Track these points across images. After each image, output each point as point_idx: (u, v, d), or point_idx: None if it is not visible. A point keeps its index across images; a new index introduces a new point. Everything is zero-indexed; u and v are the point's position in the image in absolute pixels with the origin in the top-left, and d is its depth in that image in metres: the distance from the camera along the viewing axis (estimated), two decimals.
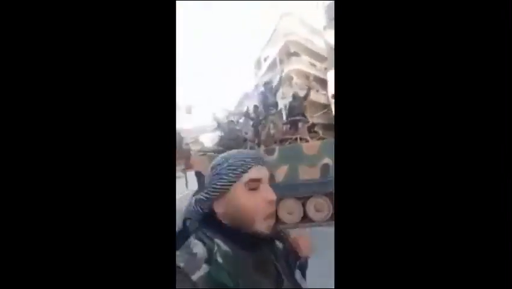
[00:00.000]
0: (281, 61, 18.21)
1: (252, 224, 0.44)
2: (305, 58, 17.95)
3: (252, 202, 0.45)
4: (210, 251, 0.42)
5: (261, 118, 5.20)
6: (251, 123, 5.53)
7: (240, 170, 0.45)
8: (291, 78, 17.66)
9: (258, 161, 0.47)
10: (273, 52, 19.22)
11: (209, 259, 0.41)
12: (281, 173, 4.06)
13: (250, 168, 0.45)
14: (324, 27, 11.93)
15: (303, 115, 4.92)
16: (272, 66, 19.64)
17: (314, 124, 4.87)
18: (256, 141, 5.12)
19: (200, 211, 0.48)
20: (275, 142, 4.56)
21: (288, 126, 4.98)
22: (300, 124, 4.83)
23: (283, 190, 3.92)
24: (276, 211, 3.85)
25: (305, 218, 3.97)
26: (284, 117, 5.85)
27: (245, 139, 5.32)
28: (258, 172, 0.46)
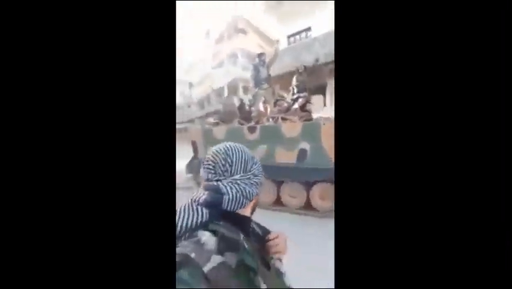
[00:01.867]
0: (229, 36, 17.87)
1: (249, 211, 0.52)
2: (253, 37, 17.98)
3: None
4: (234, 240, 0.42)
5: (251, 93, 4.86)
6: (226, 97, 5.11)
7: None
8: (236, 56, 17.65)
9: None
10: (221, 26, 18.62)
11: (222, 249, 0.40)
12: (259, 153, 3.89)
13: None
14: (264, 11, 12.14)
15: (306, 91, 4.49)
16: (220, 40, 19.14)
17: (306, 102, 4.55)
18: (245, 117, 4.72)
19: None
20: (267, 120, 4.35)
21: (291, 102, 4.49)
22: (301, 101, 4.32)
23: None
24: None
25: (278, 202, 3.87)
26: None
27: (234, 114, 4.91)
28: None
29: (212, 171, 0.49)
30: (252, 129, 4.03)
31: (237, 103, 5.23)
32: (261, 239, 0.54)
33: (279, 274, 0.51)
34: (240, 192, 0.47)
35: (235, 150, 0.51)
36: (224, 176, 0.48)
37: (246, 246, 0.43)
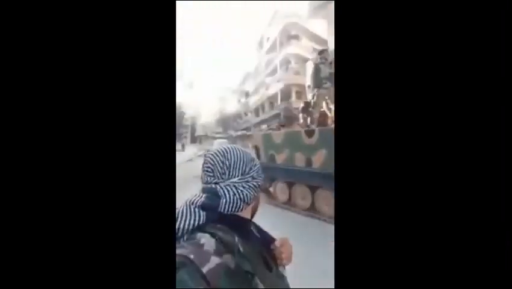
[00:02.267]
0: (281, 44, 18.21)
1: (248, 214, 0.53)
2: (305, 41, 17.83)
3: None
4: (229, 242, 0.43)
5: (311, 94, 4.41)
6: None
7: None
8: (289, 62, 17.79)
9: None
10: (274, 34, 19.13)
11: (221, 251, 0.41)
12: (318, 159, 3.52)
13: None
14: (307, 16, 11.92)
15: None
16: (272, 48, 19.67)
17: None
18: (308, 120, 4.42)
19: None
20: (332, 122, 3.90)
21: None
22: None
23: (318, 179, 3.53)
24: (313, 201, 3.84)
25: None
26: None
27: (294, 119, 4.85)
28: None
29: (211, 174, 0.49)
30: (309, 133, 3.69)
31: (300, 105, 4.98)
32: (262, 243, 0.54)
33: (280, 277, 0.52)
34: (237, 196, 0.47)
35: (233, 152, 0.51)
36: (222, 178, 0.49)
37: (241, 249, 0.44)
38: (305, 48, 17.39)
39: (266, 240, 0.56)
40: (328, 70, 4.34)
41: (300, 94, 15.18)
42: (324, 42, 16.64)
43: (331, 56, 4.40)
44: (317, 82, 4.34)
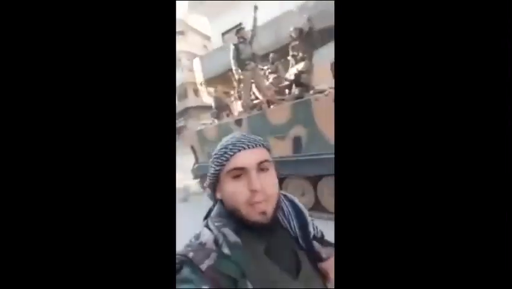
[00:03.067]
0: None
1: (239, 212, 0.45)
2: (192, 37, 17.62)
3: (235, 190, 0.45)
4: (217, 242, 0.42)
5: (237, 78, 4.15)
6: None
7: (222, 158, 0.47)
8: (179, 60, 17.19)
9: (243, 147, 0.47)
10: None
11: (217, 250, 0.41)
12: None
13: (232, 155, 0.46)
14: (187, 13, 11.90)
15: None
16: None
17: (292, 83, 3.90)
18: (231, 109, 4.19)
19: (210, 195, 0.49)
20: (269, 104, 3.66)
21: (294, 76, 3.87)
22: (303, 66, 3.70)
23: None
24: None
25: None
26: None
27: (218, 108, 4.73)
28: (242, 160, 0.46)
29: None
30: (238, 122, 3.62)
31: (234, 93, 4.72)
32: (310, 255, 0.51)
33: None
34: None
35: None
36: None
37: (226, 251, 0.41)
38: (193, 44, 17.20)
39: (313, 253, 0.52)
40: (249, 50, 4.11)
41: (197, 91, 15.08)
42: (208, 38, 16.93)
43: (249, 34, 4.17)
44: (240, 64, 4.03)
